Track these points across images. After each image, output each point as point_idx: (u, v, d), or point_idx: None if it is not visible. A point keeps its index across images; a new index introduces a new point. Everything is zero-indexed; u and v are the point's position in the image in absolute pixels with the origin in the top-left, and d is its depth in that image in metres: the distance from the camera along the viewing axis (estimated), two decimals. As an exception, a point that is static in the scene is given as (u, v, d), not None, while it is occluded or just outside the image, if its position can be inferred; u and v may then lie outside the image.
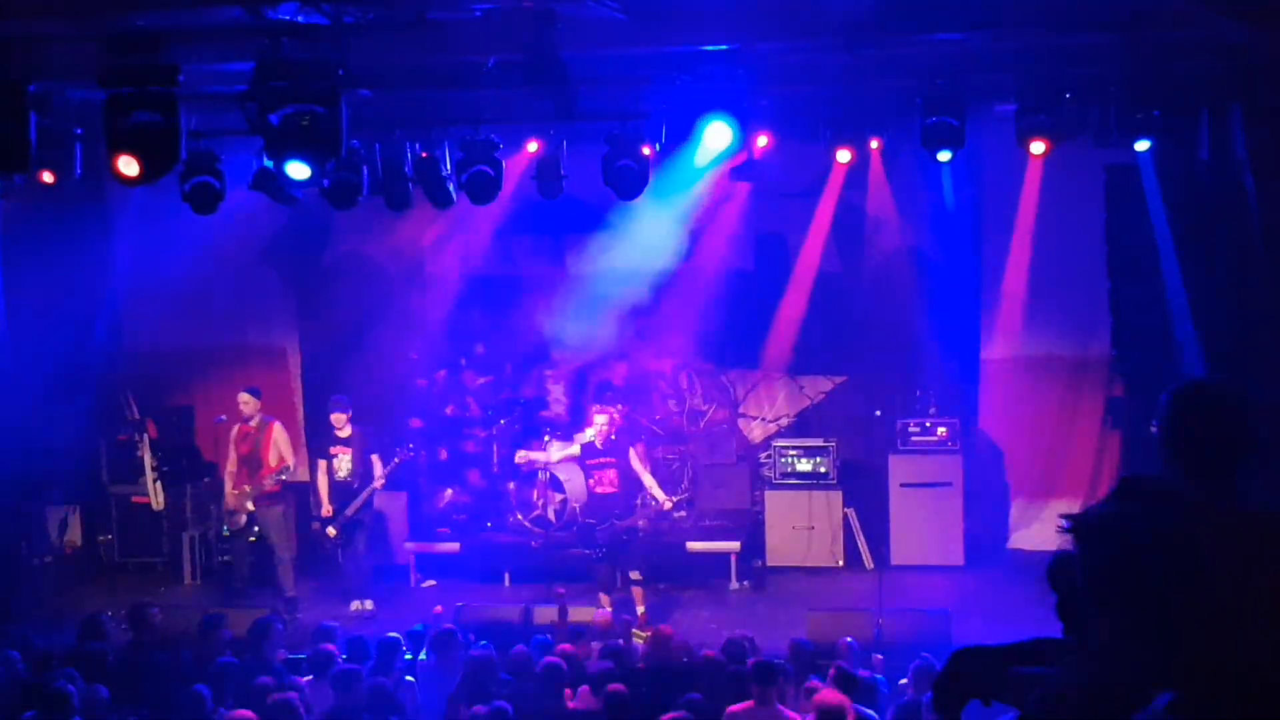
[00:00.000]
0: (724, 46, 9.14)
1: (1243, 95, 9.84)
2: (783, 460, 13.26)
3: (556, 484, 12.94)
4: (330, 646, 8.97)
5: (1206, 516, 2.64)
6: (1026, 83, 9.93)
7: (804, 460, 13.21)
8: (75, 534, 13.89)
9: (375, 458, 11.99)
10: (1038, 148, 10.19)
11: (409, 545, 13.08)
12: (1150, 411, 3.03)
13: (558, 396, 14.30)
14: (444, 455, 13.89)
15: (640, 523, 11.61)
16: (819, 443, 13.30)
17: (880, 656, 9.18)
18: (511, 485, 13.49)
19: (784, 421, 14.08)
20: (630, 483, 11.47)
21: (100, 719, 7.69)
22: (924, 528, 12.83)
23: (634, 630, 10.52)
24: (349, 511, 11.87)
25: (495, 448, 13.80)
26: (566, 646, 8.92)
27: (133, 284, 13.58)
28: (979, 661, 3.19)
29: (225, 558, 12.80)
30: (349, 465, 11.91)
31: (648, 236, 12.90)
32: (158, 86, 8.40)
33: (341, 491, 11.89)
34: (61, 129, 9.87)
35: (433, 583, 12.85)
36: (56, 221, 12.58)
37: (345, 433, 11.96)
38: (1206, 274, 11.01)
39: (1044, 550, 12.10)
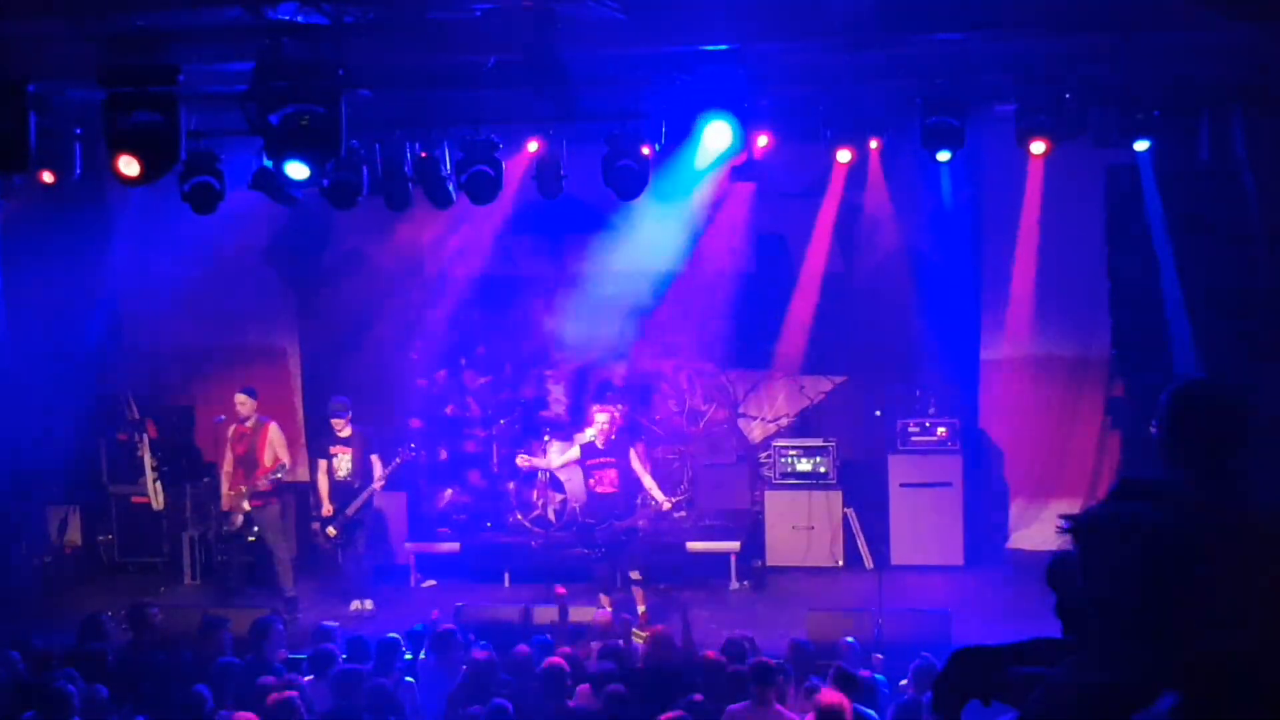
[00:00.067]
0: (724, 46, 9.14)
1: (1243, 96, 9.84)
2: (783, 460, 13.26)
3: (556, 484, 12.96)
4: (330, 646, 8.97)
5: (1207, 516, 2.64)
6: (1026, 83, 9.92)
7: (804, 460, 13.21)
8: (75, 534, 13.90)
9: (375, 458, 11.99)
10: (1038, 148, 10.18)
11: (409, 545, 13.08)
12: (1150, 411, 3.03)
13: (558, 396, 14.30)
14: (444, 455, 13.89)
15: (640, 523, 11.61)
16: (819, 443, 13.30)
17: (880, 656, 9.18)
18: (511, 485, 13.50)
19: (784, 421, 14.07)
20: (630, 483, 11.48)
21: (100, 719, 7.69)
22: (924, 528, 12.83)
23: (634, 630, 10.52)
24: (349, 511, 11.88)
25: (495, 448, 13.80)
26: (566, 650, 8.92)
27: (133, 284, 13.57)
28: (979, 661, 3.19)
29: (224, 558, 12.80)
30: (349, 465, 11.91)
31: (648, 237, 12.90)
32: (158, 86, 8.41)
33: (342, 491, 11.89)
34: (61, 129, 9.87)
35: (433, 583, 12.85)
36: (56, 221, 12.58)
37: (345, 433, 11.97)
38: (1204, 275, 11.01)
39: (1044, 550, 12.09)
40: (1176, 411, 2.95)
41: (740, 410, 14.22)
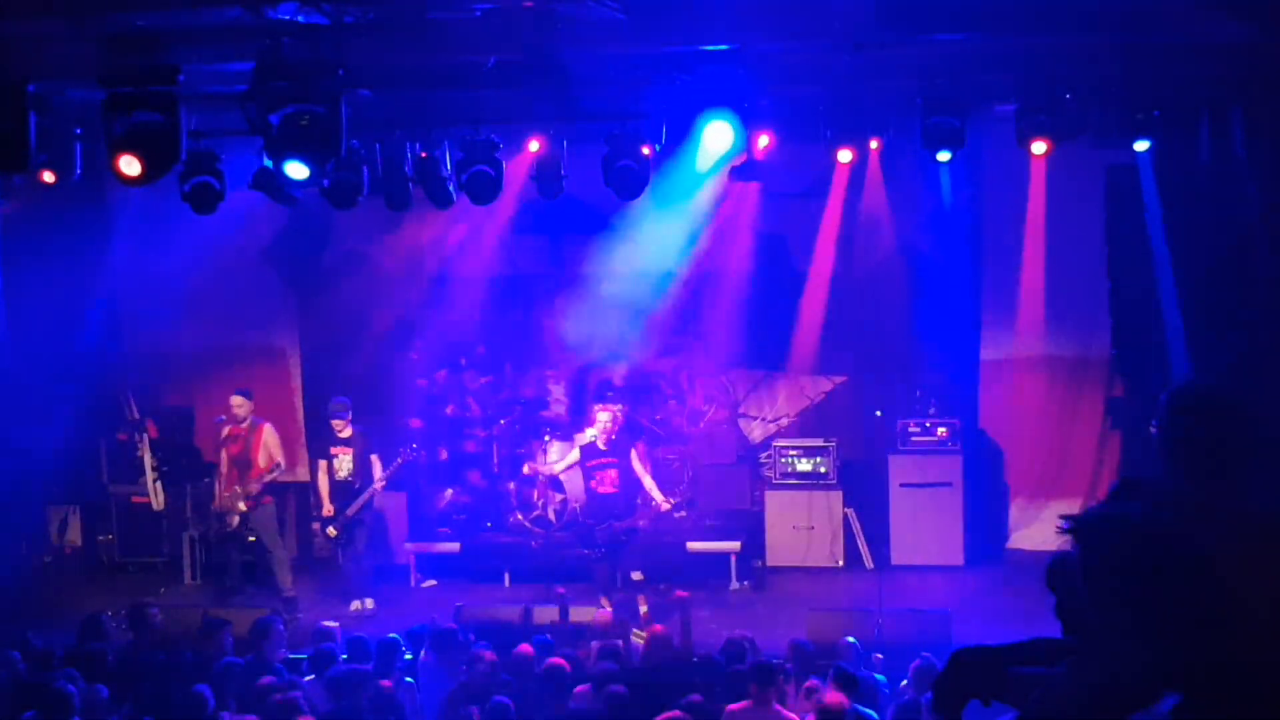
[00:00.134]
0: (724, 46, 9.14)
1: (1243, 96, 9.84)
2: (783, 460, 13.26)
3: (556, 484, 12.96)
4: (331, 646, 8.97)
5: (1207, 517, 2.64)
6: (1027, 83, 9.93)
7: (804, 460, 13.21)
8: (75, 534, 13.91)
9: (375, 458, 11.99)
10: (1039, 148, 10.19)
11: (409, 545, 13.07)
12: (1150, 411, 3.04)
13: (558, 396, 14.30)
14: (444, 455, 13.89)
15: (640, 523, 11.61)
16: (819, 443, 13.29)
17: (880, 656, 9.18)
18: (512, 485, 13.50)
19: (784, 421, 14.07)
20: (631, 483, 11.48)
21: (100, 719, 7.69)
22: (924, 528, 12.83)
23: (634, 630, 10.52)
24: (350, 511, 11.88)
25: (495, 448, 13.80)
26: (567, 650, 8.92)
27: (133, 284, 13.58)
28: (979, 662, 3.19)
29: (221, 558, 12.80)
30: (349, 465, 11.91)
31: (648, 237, 12.91)
32: (158, 86, 8.41)
33: (342, 491, 11.90)
34: (61, 129, 9.87)
35: (433, 583, 12.85)
36: (56, 221, 12.58)
37: (346, 433, 11.97)
38: (1204, 275, 11.01)
39: (1044, 550, 12.09)
40: (1176, 412, 2.95)
41: (740, 410, 14.22)
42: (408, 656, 9.24)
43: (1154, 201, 11.59)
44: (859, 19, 8.35)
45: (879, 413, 13.51)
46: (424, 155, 10.95)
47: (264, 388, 13.75)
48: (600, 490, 11.48)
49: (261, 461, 11.95)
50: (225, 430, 12.12)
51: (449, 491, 13.84)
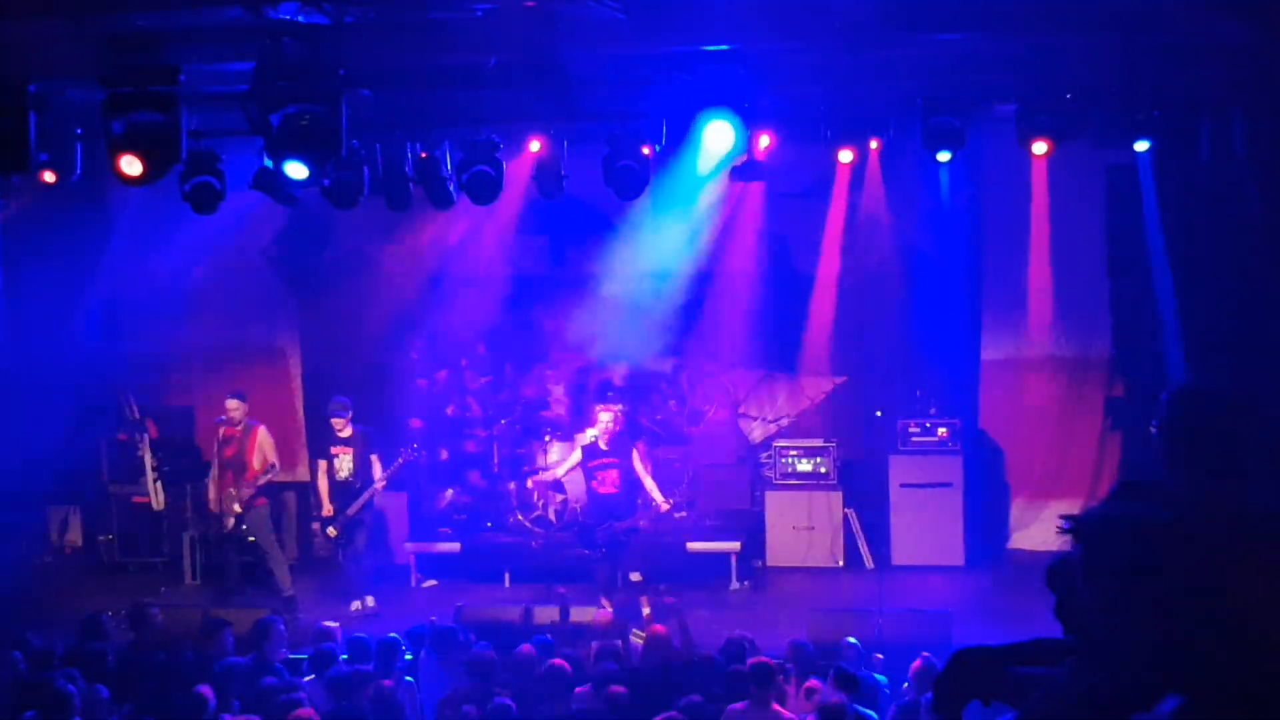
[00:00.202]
0: (724, 46, 9.14)
1: (1243, 97, 9.84)
2: (783, 460, 13.26)
3: (557, 484, 12.95)
4: (331, 646, 8.97)
5: (1207, 517, 2.64)
6: (1027, 84, 9.93)
7: (804, 461, 13.21)
8: (75, 534, 13.93)
9: (375, 458, 11.99)
10: (1040, 148, 10.19)
11: (409, 545, 13.07)
12: (1150, 411, 3.04)
13: (558, 397, 14.29)
14: (444, 455, 13.89)
15: (640, 523, 11.60)
16: (819, 443, 13.29)
17: (880, 656, 9.18)
18: (512, 485, 13.50)
19: (784, 422, 14.07)
20: (631, 483, 11.47)
21: (101, 719, 7.69)
22: (924, 528, 12.82)
23: (634, 631, 10.52)
24: (350, 511, 11.87)
25: (496, 448, 13.80)
26: (567, 650, 8.92)
27: (133, 284, 13.57)
28: (980, 662, 3.19)
29: (219, 559, 12.80)
30: (350, 465, 11.91)
31: (649, 237, 12.90)
32: (158, 86, 8.41)
33: (342, 491, 11.89)
34: (62, 129, 9.87)
35: (433, 583, 12.84)
36: (56, 221, 12.59)
37: (346, 433, 11.97)
38: (1200, 275, 11.02)
39: (1044, 550, 12.10)
40: (1177, 412, 2.95)
41: (741, 410, 14.22)
42: (408, 657, 9.24)
43: (1154, 202, 11.59)
44: (859, 19, 8.35)
45: (879, 413, 13.51)
46: (424, 155, 10.95)
47: (264, 388, 13.76)
48: (601, 490, 11.48)
49: (256, 464, 11.98)
50: (220, 432, 12.15)
51: (449, 492, 13.83)
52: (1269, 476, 2.88)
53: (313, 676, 8.52)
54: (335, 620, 10.42)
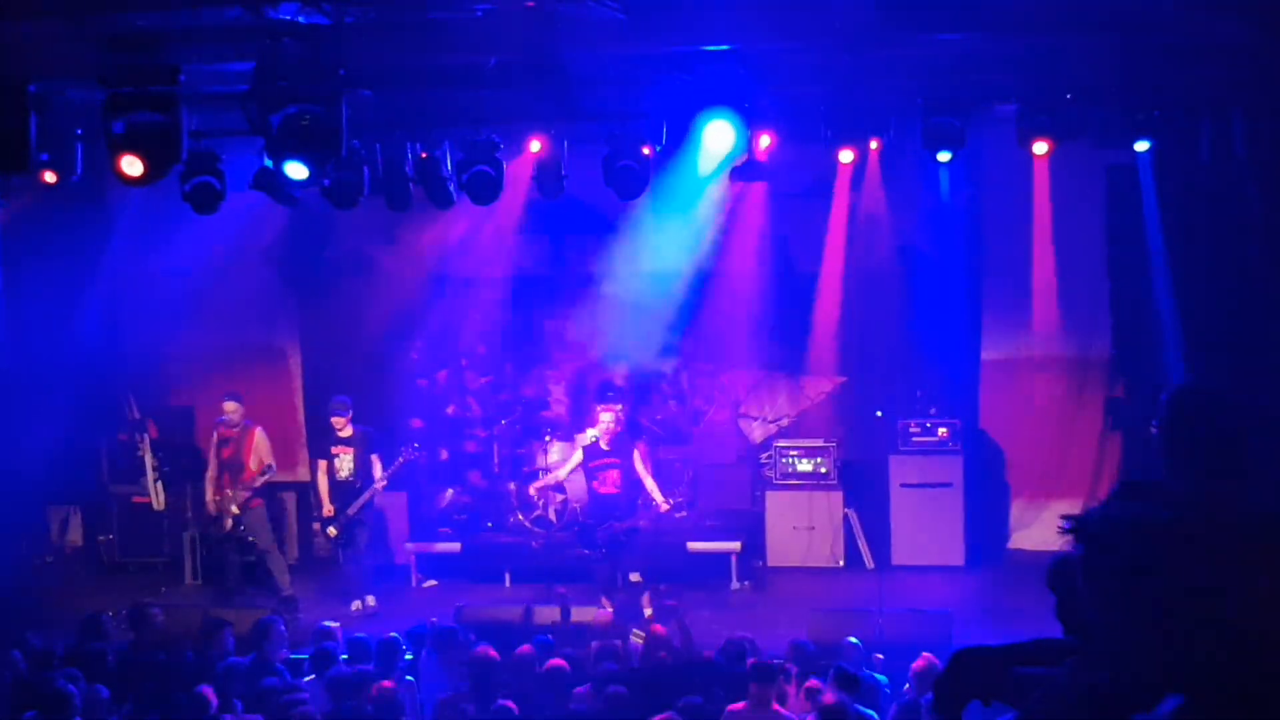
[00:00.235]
0: (724, 46, 9.14)
1: (1243, 97, 9.84)
2: (783, 460, 13.25)
3: (557, 484, 12.94)
4: (332, 646, 8.97)
5: (1207, 517, 2.64)
6: (1027, 84, 9.93)
7: (804, 460, 13.21)
8: (76, 533, 13.92)
9: (375, 458, 11.99)
10: (1040, 148, 10.19)
11: (410, 545, 13.07)
12: (1150, 411, 3.04)
13: (559, 397, 14.29)
14: (445, 455, 13.89)
15: (641, 523, 11.60)
16: (819, 443, 13.29)
17: (880, 656, 9.18)
18: (512, 485, 13.50)
19: (784, 422, 14.06)
20: (632, 483, 11.46)
21: (101, 719, 7.69)
22: (924, 528, 12.82)
23: (634, 631, 10.52)
24: (351, 511, 11.88)
25: (496, 448, 13.80)
26: (567, 650, 8.92)
27: (133, 284, 13.58)
28: (980, 662, 3.19)
29: (219, 560, 12.82)
30: (350, 465, 11.92)
31: (650, 237, 12.90)
32: (158, 86, 8.41)
33: (343, 491, 11.90)
34: (61, 129, 9.87)
35: (434, 583, 12.84)
36: (57, 221, 12.59)
37: (346, 433, 11.97)
38: (1199, 275, 11.02)
39: (1044, 550, 12.09)
40: (1177, 412, 2.95)
41: (741, 410, 14.21)
42: (408, 656, 9.24)
43: (1154, 202, 11.59)
44: (859, 19, 8.34)
45: (879, 413, 13.51)
46: (424, 155, 10.94)
47: (264, 388, 13.77)
48: (602, 490, 11.47)
49: (253, 465, 12.05)
50: (216, 433, 12.19)
51: (450, 492, 13.83)
52: (1269, 476, 2.88)
53: (313, 676, 8.52)
54: (335, 620, 10.43)
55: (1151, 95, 10.04)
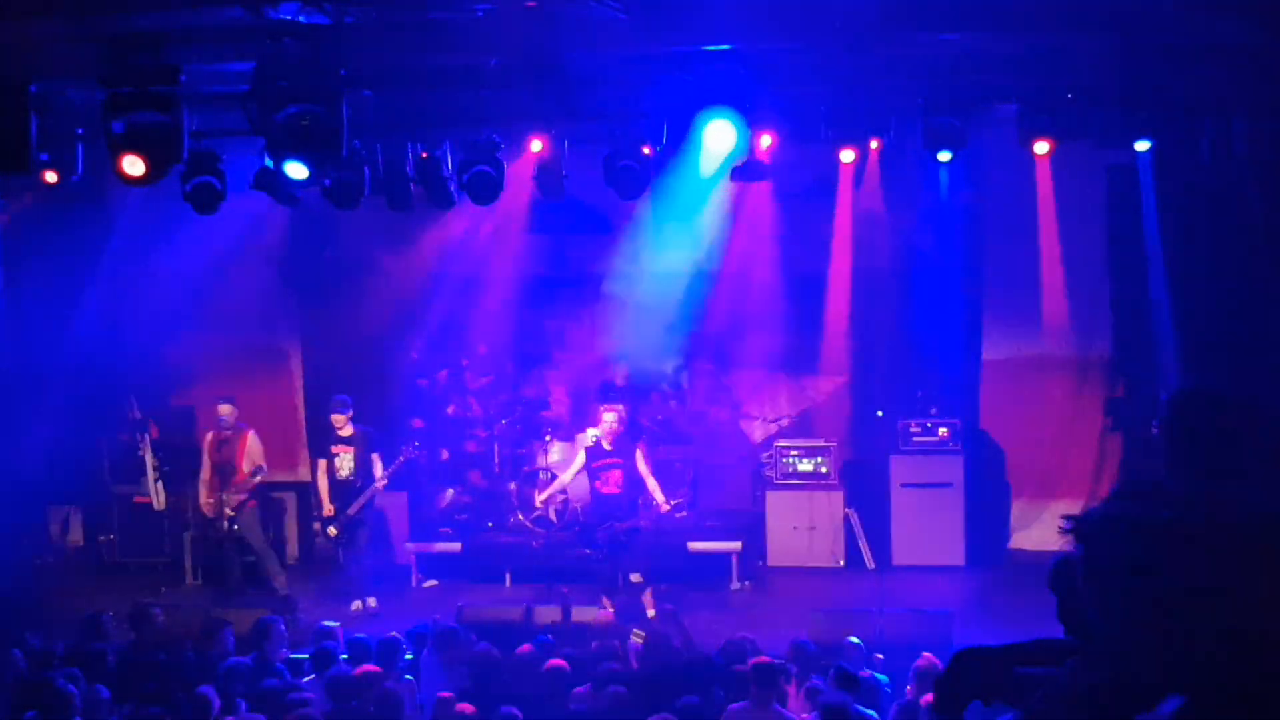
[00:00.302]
0: (724, 46, 9.13)
1: (1244, 97, 9.83)
2: (784, 460, 13.25)
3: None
4: (331, 645, 8.97)
5: (1208, 517, 2.64)
6: (1028, 84, 9.93)
7: (805, 460, 13.21)
8: (76, 533, 13.93)
9: (376, 457, 12.00)
10: (1041, 148, 10.20)
11: (410, 545, 13.07)
12: (1150, 411, 3.05)
13: (559, 397, 14.30)
14: (445, 455, 13.89)
15: (642, 524, 11.59)
16: (820, 443, 13.29)
17: (881, 656, 9.18)
18: (513, 485, 13.51)
19: (785, 421, 14.07)
20: (634, 484, 11.46)
21: (101, 719, 7.69)
22: (925, 528, 12.83)
23: (634, 631, 10.51)
24: (351, 510, 11.89)
25: (496, 448, 13.80)
26: (568, 650, 8.92)
27: (134, 284, 13.59)
28: (981, 662, 3.19)
29: (217, 562, 12.84)
30: (350, 465, 11.93)
31: (650, 238, 12.91)
32: (159, 86, 8.41)
33: (343, 491, 11.91)
34: (63, 129, 9.87)
35: (434, 583, 12.84)
36: (58, 221, 12.59)
37: (346, 432, 11.98)
38: (1200, 275, 11.01)
39: (1045, 550, 12.09)
40: (1178, 413, 2.95)
41: (742, 410, 14.21)
42: (408, 656, 9.24)
43: (1154, 202, 11.59)
44: (860, 19, 8.34)
45: (880, 413, 13.51)
46: (425, 155, 10.95)
47: (265, 388, 13.79)
48: (604, 490, 11.47)
49: (245, 468, 12.17)
50: (209, 436, 12.26)
51: (450, 491, 13.84)
52: (1269, 476, 2.88)
53: (313, 676, 8.52)
54: (335, 620, 10.42)
55: (1151, 95, 10.02)
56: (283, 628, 9.34)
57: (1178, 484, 2.88)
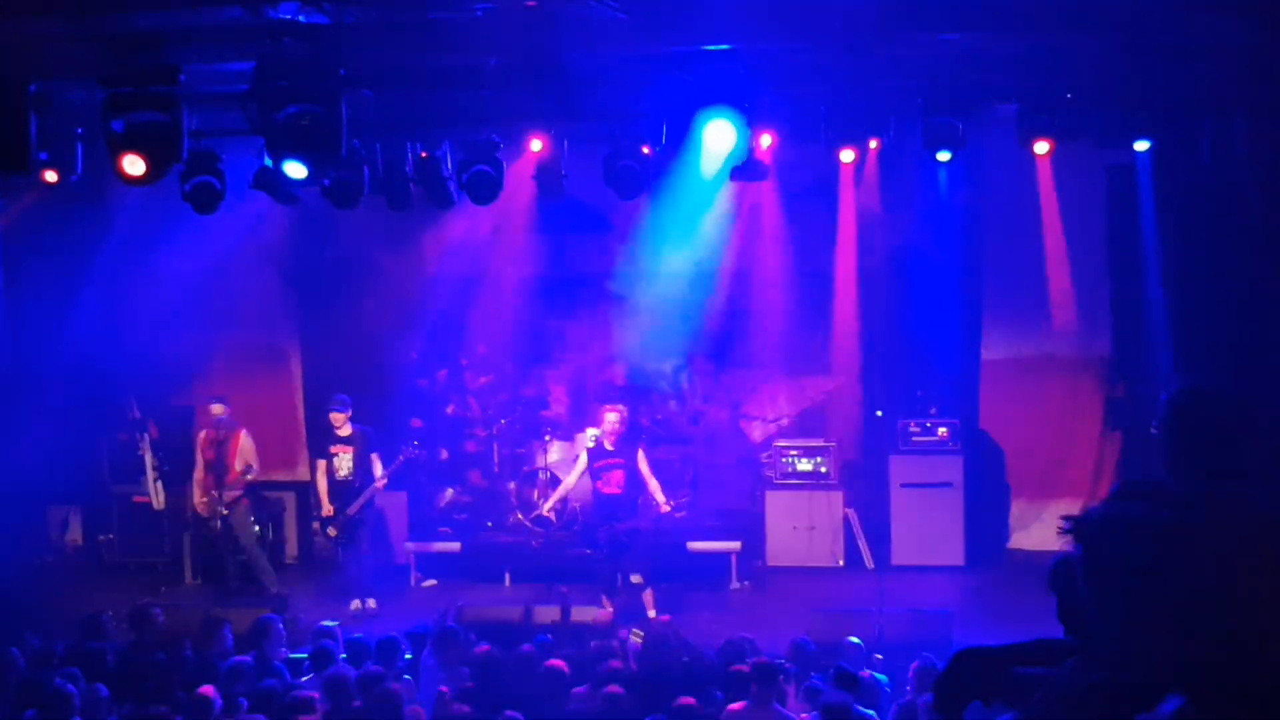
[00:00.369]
0: (724, 46, 9.13)
1: (1244, 97, 9.84)
2: (783, 460, 13.24)
3: (557, 484, 12.93)
4: (330, 645, 8.97)
5: (1208, 517, 2.64)
6: (1027, 84, 9.93)
7: (804, 460, 13.20)
8: (76, 533, 13.92)
9: (375, 457, 12.00)
10: (1041, 148, 10.20)
11: (409, 545, 13.07)
12: (1150, 411, 3.04)
13: (559, 396, 14.30)
14: (445, 455, 13.89)
15: (642, 524, 11.59)
16: (819, 443, 13.29)
17: (880, 656, 9.17)
18: (512, 485, 13.50)
19: (784, 421, 14.06)
20: (636, 484, 11.45)
21: (101, 718, 7.69)
22: (924, 528, 12.82)
23: (633, 631, 10.51)
24: (351, 510, 11.89)
25: (496, 447, 13.80)
26: (567, 650, 8.92)
27: (134, 284, 13.58)
28: (981, 662, 3.19)
29: (213, 561, 12.85)
30: (349, 465, 11.93)
31: (650, 237, 12.90)
32: (159, 86, 8.42)
33: (342, 491, 11.91)
34: (62, 129, 9.87)
35: (433, 582, 12.84)
36: (57, 221, 12.59)
37: (345, 431, 11.98)
38: (1200, 275, 11.02)
39: (1045, 550, 12.08)
40: (1177, 412, 2.95)
41: (741, 410, 14.21)
42: (407, 656, 9.24)
43: (1154, 202, 11.59)
44: (860, 19, 8.34)
45: (879, 413, 13.51)
46: (424, 155, 10.94)
47: (264, 388, 13.78)
48: (606, 490, 11.46)
49: (238, 466, 12.19)
50: (201, 435, 12.30)
51: (450, 491, 13.84)
52: (1269, 476, 2.88)
53: (311, 676, 8.52)
54: (335, 620, 10.42)
55: (1152, 95, 10.03)
56: (281, 627, 9.34)
57: (1178, 484, 2.87)
